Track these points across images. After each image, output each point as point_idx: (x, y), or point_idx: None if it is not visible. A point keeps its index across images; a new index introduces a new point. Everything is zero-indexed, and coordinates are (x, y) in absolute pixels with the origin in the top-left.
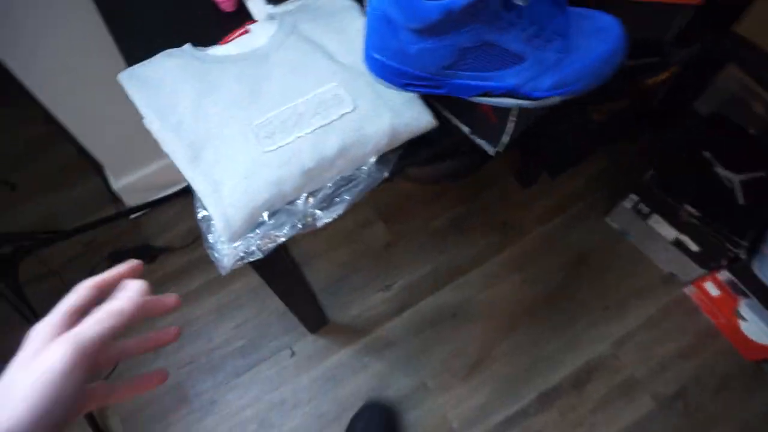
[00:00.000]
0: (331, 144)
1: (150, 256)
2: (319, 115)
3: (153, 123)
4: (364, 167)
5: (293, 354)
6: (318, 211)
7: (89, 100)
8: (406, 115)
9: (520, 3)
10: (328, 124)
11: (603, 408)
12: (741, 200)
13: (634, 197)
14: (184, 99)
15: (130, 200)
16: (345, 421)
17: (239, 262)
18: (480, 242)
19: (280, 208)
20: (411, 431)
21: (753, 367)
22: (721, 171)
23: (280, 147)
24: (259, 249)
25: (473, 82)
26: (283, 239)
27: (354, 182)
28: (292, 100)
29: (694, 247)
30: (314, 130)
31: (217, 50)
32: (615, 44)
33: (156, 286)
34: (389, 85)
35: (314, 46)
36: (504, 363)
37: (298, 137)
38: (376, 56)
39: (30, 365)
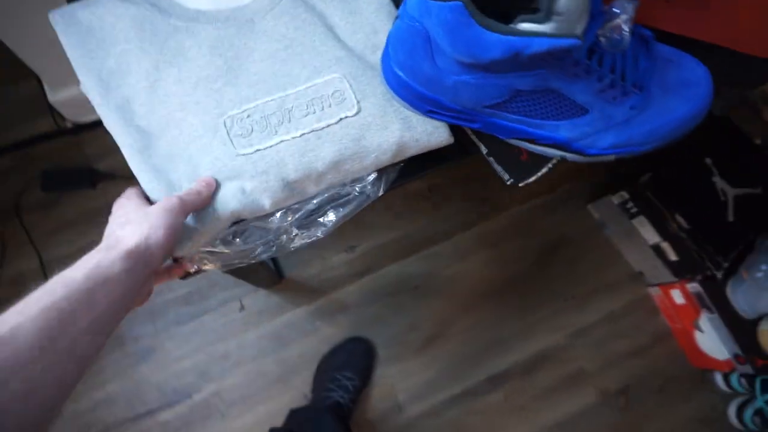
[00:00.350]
0: (323, 154)
1: (91, 181)
2: (313, 115)
3: (92, 93)
4: (357, 184)
5: (242, 308)
6: (296, 230)
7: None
8: (418, 128)
9: (615, 51)
10: (323, 128)
11: (547, 396)
12: (731, 217)
13: (624, 194)
14: (136, 67)
15: (71, 115)
16: (290, 383)
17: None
18: (456, 215)
19: (250, 223)
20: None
21: (697, 374)
22: (719, 181)
23: (258, 151)
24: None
25: (518, 126)
26: (252, 261)
27: (343, 199)
28: (279, 90)
29: (672, 256)
30: (304, 134)
31: (186, 0)
32: (699, 106)
33: (92, 216)
34: (408, 106)
35: (316, 17)
36: (459, 342)
37: (283, 141)
38: (399, 73)
39: (147, 208)
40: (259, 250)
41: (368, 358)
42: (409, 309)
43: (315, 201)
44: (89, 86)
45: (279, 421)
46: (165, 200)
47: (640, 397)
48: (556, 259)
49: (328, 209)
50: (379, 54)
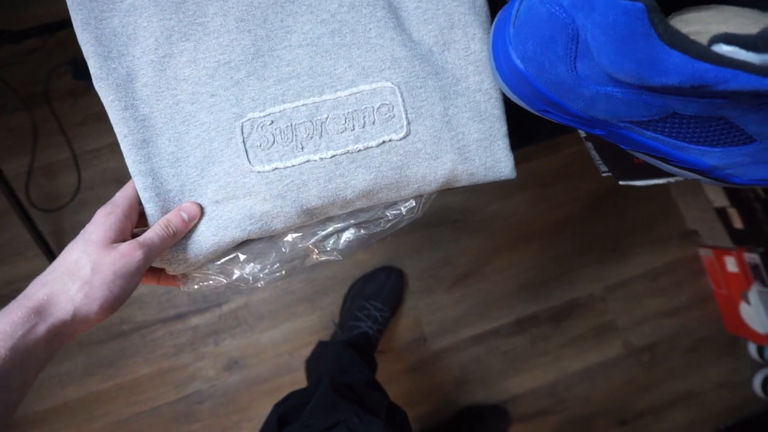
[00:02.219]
0: (354, 182)
1: None
2: (351, 133)
3: (90, 59)
4: (389, 209)
5: None
6: (315, 249)
7: None
8: (476, 160)
9: None
10: (360, 151)
11: (573, 344)
12: None
13: None
14: (144, 33)
15: None
16: (318, 304)
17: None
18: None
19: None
20: None
21: (728, 339)
22: None
23: (278, 170)
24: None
25: (654, 143)
26: (258, 284)
27: (371, 224)
28: (315, 92)
29: (738, 223)
30: (336, 155)
31: None
32: None
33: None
34: (518, 99)
35: None
36: (492, 281)
37: (309, 161)
38: (518, 64)
39: (108, 253)
40: (266, 272)
41: (399, 290)
42: (445, 243)
43: (337, 225)
44: (86, 48)
45: (305, 340)
46: (126, 254)
47: (665, 355)
48: (607, 205)
49: (352, 230)
50: (448, 55)
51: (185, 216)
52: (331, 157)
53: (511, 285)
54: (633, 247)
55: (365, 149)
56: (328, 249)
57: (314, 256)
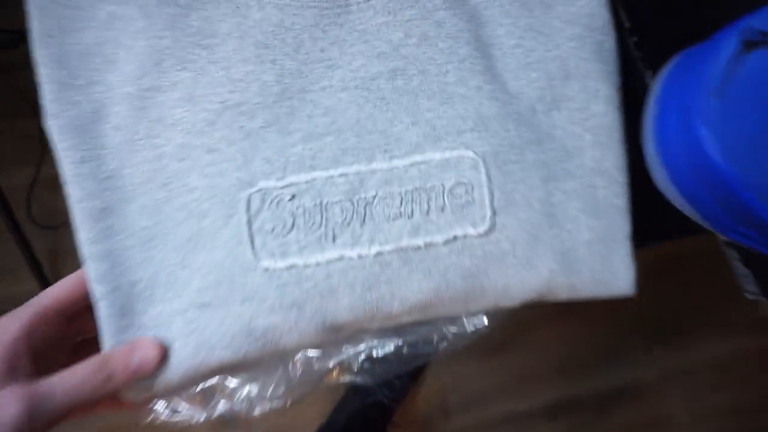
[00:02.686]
0: (404, 292)
1: None
2: (407, 220)
3: (46, 86)
4: (450, 325)
5: None
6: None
7: None
8: (584, 271)
9: None
10: (419, 248)
11: None
12: None
13: None
14: (126, 54)
15: None
16: None
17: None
18: None
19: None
20: None
21: None
22: None
23: (296, 268)
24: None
25: None
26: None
27: (419, 343)
28: (362, 159)
29: None
30: (381, 252)
31: None
32: None
33: None
34: (689, 208)
35: (464, 20)
36: (530, 355)
37: (343, 258)
38: (718, 160)
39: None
40: (263, 397)
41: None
42: (506, 313)
43: (372, 343)
44: (43, 70)
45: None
46: (12, 408)
47: None
48: (668, 280)
49: (392, 347)
50: (558, 117)
51: (135, 362)
52: (375, 255)
53: (551, 360)
54: (696, 331)
55: (426, 246)
56: (356, 369)
57: (334, 377)
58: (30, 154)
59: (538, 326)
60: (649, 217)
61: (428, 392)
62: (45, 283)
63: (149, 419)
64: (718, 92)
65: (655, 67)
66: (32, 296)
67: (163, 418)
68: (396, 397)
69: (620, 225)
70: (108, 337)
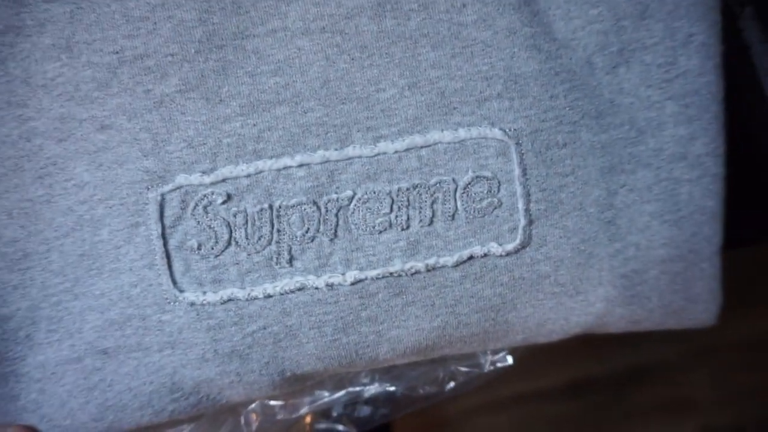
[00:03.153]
0: (397, 333)
1: None
2: (400, 233)
3: None
4: (461, 365)
5: None
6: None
7: None
8: (653, 298)
9: None
10: (417, 273)
11: (638, 419)
12: None
13: None
14: None
15: None
16: None
17: None
18: None
19: None
20: None
21: None
22: None
23: (235, 302)
24: None
25: None
26: None
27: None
28: (332, 141)
29: None
30: (362, 281)
31: None
32: None
33: None
34: None
35: None
36: None
37: (305, 289)
38: None
39: None
40: None
41: None
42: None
43: (354, 389)
44: None
45: None
46: None
47: None
48: None
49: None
50: (626, 78)
51: None
52: (352, 284)
53: (566, 340)
54: (726, 309)
55: (429, 271)
56: (335, 415)
57: (306, 424)
58: None
59: None
60: (748, 219)
61: (435, 369)
62: None
63: None
64: None
65: None
66: None
67: None
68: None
69: (709, 236)
70: None
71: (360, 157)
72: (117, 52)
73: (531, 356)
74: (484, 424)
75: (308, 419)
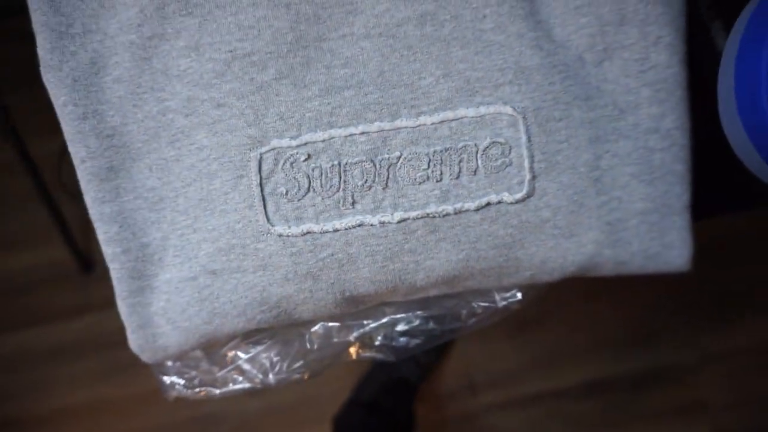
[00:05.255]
0: (432, 263)
1: None
2: (435, 184)
3: (40, 35)
4: (479, 302)
5: None
6: (357, 344)
7: None
8: (634, 244)
9: None
10: (448, 215)
11: (651, 420)
12: None
13: None
14: (123, 2)
15: None
16: None
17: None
18: None
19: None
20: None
21: None
22: None
23: (312, 235)
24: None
25: None
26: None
27: (446, 318)
28: (385, 115)
29: None
30: (406, 219)
31: None
32: None
33: None
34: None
35: None
36: (562, 332)
37: (363, 225)
38: None
39: None
40: (279, 371)
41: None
42: (541, 289)
43: (395, 316)
44: (37, 16)
45: (333, 372)
46: None
47: None
48: (713, 257)
49: (417, 322)
50: (610, 69)
51: None
52: (398, 222)
53: (585, 339)
54: (743, 312)
55: (456, 213)
56: (377, 344)
57: (353, 352)
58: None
59: (568, 304)
60: (711, 188)
61: (454, 368)
62: (76, 250)
63: (174, 396)
64: None
65: (725, 16)
66: (64, 263)
67: (183, 393)
68: (421, 374)
69: (678, 193)
70: (121, 300)
71: (406, 127)
72: (231, 51)
73: (550, 358)
74: (503, 420)
75: (356, 348)
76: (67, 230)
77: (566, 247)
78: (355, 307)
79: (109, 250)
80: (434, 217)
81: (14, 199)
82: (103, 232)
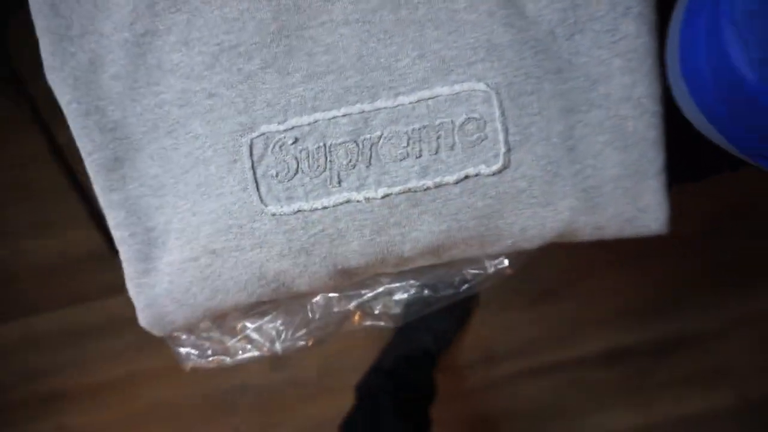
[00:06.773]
0: (417, 235)
1: None
2: (415, 160)
3: (43, 39)
4: (469, 267)
5: None
6: (357, 313)
7: None
8: (609, 209)
9: None
10: (428, 189)
11: (674, 386)
12: None
13: None
14: (116, 2)
15: None
16: None
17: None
18: None
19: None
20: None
21: None
22: None
23: (302, 213)
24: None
25: None
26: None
27: (439, 285)
28: (365, 97)
29: None
30: (389, 195)
31: None
32: None
33: None
34: (709, 127)
35: None
36: (582, 302)
37: (350, 201)
38: (746, 72)
39: None
40: (284, 339)
41: (469, 301)
42: (530, 254)
43: (390, 285)
44: (39, 20)
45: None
46: None
47: None
48: (738, 224)
49: (412, 290)
50: (581, 42)
51: None
52: (382, 198)
53: (605, 309)
54: (763, 279)
55: (436, 187)
56: (376, 313)
57: (355, 321)
58: None
59: (588, 274)
60: (685, 153)
61: (473, 338)
62: (106, 233)
63: (189, 366)
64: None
65: None
66: (97, 245)
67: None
68: (441, 344)
69: (652, 158)
70: (129, 281)
71: (385, 108)
72: (218, 44)
73: (571, 327)
74: (523, 389)
75: (357, 317)
76: (96, 214)
77: (543, 215)
78: (348, 279)
79: (117, 235)
80: (416, 191)
81: (47, 186)
82: (112, 218)
